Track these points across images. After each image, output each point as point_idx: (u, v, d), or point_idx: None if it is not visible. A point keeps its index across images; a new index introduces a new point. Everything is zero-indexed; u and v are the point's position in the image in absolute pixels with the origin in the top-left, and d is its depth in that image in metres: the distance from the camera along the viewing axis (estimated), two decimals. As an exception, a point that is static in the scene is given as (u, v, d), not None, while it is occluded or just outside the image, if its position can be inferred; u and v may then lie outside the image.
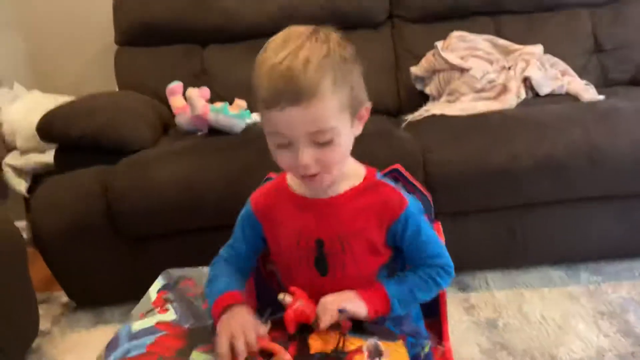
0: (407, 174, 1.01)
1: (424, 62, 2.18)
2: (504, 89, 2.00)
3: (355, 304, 0.84)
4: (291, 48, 0.75)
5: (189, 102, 1.94)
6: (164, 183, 1.70)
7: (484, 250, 1.79)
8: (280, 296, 0.85)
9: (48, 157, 2.30)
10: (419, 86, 2.23)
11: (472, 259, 1.80)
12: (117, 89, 2.36)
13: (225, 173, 1.70)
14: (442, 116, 1.90)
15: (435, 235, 0.93)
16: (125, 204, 1.69)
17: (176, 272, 1.11)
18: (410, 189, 0.99)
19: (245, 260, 0.96)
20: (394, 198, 0.88)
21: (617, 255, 1.84)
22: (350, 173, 0.89)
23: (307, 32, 0.78)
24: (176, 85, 2.13)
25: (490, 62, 2.11)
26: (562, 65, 2.11)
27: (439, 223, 1.06)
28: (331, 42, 0.78)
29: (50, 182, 1.83)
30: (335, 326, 0.83)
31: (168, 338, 0.89)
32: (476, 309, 1.69)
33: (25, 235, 1.73)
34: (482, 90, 2.02)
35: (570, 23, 2.26)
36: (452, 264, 0.92)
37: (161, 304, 1.00)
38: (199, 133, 1.98)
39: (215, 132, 1.92)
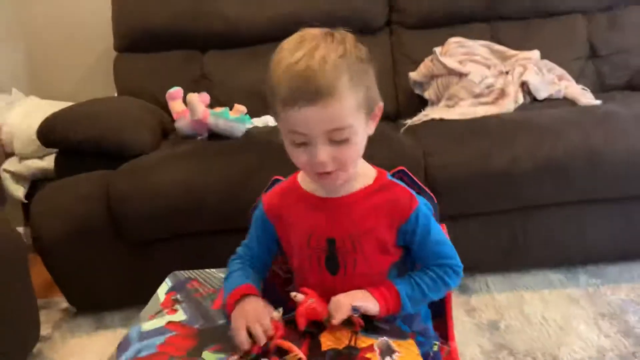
0: (412, 175, 1.02)
1: (422, 68, 2.20)
2: (502, 94, 2.02)
3: (367, 301, 0.85)
4: (307, 48, 0.76)
5: (190, 106, 1.95)
6: (166, 187, 1.70)
7: (485, 252, 1.81)
8: (292, 294, 0.86)
9: (46, 163, 2.30)
10: (417, 91, 2.25)
11: (473, 262, 1.78)
12: (115, 96, 2.36)
13: (226, 177, 1.71)
14: (442, 120, 1.92)
15: (444, 236, 0.94)
16: (126, 208, 1.69)
17: (183, 274, 1.11)
18: (416, 190, 1.00)
19: (259, 260, 0.98)
20: (404, 198, 0.89)
21: (615, 257, 1.85)
22: (362, 173, 0.90)
23: (322, 33, 0.80)
24: (176, 90, 2.14)
25: (488, 67, 2.13)
26: (559, 70, 2.13)
27: (444, 225, 1.07)
28: (347, 42, 0.80)
29: (51, 187, 1.82)
30: (348, 324, 0.84)
31: (178, 338, 0.90)
32: (477, 311, 1.70)
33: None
34: (480, 94, 2.04)
35: (566, 29, 2.29)
36: (461, 264, 0.93)
37: (170, 304, 1.00)
38: (199, 138, 1.98)
39: (215, 136, 1.93)
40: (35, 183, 2.32)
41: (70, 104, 2.14)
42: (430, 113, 2.02)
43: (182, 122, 2.04)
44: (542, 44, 2.21)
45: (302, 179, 0.93)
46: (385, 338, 0.83)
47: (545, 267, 1.87)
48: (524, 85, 2.05)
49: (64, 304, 1.93)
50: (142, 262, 1.79)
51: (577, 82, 2.12)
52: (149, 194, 1.69)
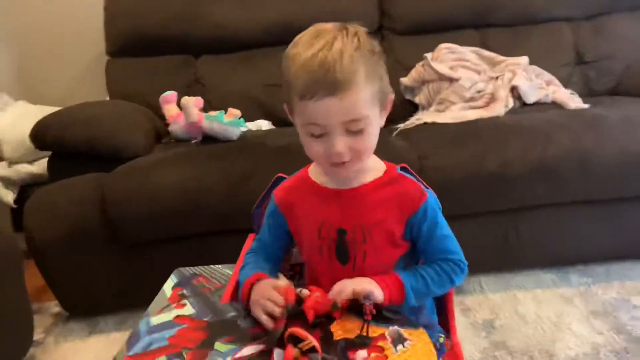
0: (414, 173, 1.04)
1: (413, 73, 2.24)
2: (493, 98, 2.06)
3: (372, 287, 0.86)
4: (324, 41, 0.79)
5: (184, 109, 1.95)
6: (162, 189, 1.69)
7: (478, 253, 1.81)
8: (297, 290, 0.87)
9: (36, 167, 2.28)
10: (408, 96, 2.28)
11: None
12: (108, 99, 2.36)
13: (222, 179, 1.71)
14: (434, 124, 1.95)
15: (451, 232, 0.95)
16: (123, 210, 1.68)
17: (188, 270, 1.12)
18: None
19: (271, 252, 0.99)
20: (414, 191, 0.91)
21: (605, 257, 1.89)
22: (372, 166, 0.92)
23: (336, 27, 0.82)
24: (170, 94, 2.14)
25: (478, 73, 2.17)
26: (547, 75, 2.18)
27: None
28: (360, 36, 0.82)
29: (45, 189, 1.80)
30: (358, 313, 0.84)
31: (189, 330, 0.90)
32: (472, 311, 1.71)
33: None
34: (471, 99, 2.08)
35: (553, 36, 2.35)
36: (465, 261, 0.95)
37: (177, 299, 1.00)
38: (193, 141, 1.98)
39: (209, 140, 1.93)
40: (25, 188, 2.29)
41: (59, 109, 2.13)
42: (422, 117, 2.05)
43: (176, 126, 2.04)
44: (530, 51, 2.26)
45: (313, 172, 0.94)
46: (396, 327, 0.84)
47: (538, 267, 1.89)
48: (513, 90, 2.09)
49: (56, 308, 1.90)
50: (137, 265, 1.78)
51: (566, 87, 2.17)
52: (145, 196, 1.69)
